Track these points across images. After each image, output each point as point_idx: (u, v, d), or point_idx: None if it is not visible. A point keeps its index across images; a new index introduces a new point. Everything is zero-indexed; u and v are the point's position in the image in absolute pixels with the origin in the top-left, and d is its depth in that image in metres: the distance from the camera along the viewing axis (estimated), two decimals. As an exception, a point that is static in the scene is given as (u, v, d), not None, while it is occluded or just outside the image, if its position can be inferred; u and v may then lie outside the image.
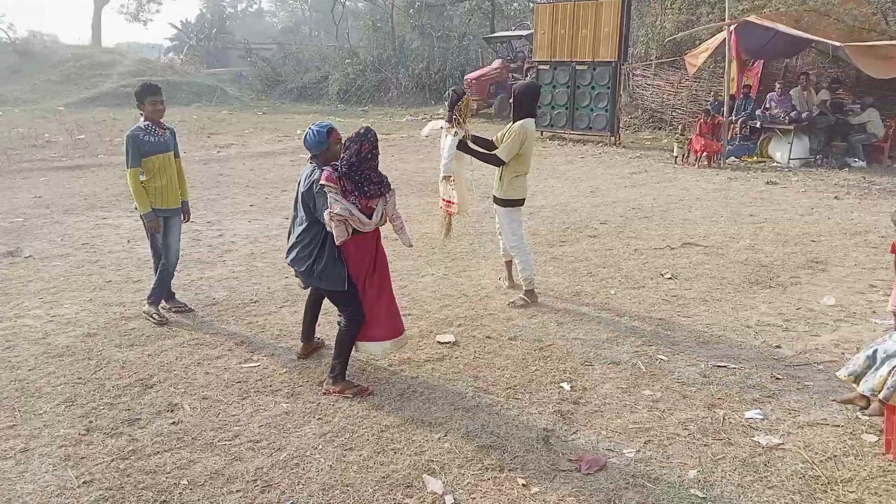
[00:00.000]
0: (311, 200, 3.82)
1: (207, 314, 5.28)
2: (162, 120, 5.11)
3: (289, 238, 4.11)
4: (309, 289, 4.44)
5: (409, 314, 5.21)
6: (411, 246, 4.30)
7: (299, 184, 3.95)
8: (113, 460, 3.31)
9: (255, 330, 4.97)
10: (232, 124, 20.82)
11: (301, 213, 3.93)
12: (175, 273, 5.33)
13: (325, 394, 4.00)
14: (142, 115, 4.99)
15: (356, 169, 3.77)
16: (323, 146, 3.91)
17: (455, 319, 5.17)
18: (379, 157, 3.90)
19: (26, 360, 4.44)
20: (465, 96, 5.11)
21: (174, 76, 31.44)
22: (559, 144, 15.57)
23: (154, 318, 5.06)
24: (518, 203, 5.33)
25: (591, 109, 15.09)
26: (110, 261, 6.72)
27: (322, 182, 3.73)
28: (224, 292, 5.79)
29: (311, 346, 4.53)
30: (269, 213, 8.88)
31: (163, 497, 3.03)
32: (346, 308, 3.97)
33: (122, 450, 3.40)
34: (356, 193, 3.77)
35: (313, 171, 3.88)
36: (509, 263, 5.82)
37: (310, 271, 3.90)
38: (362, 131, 3.84)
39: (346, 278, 3.88)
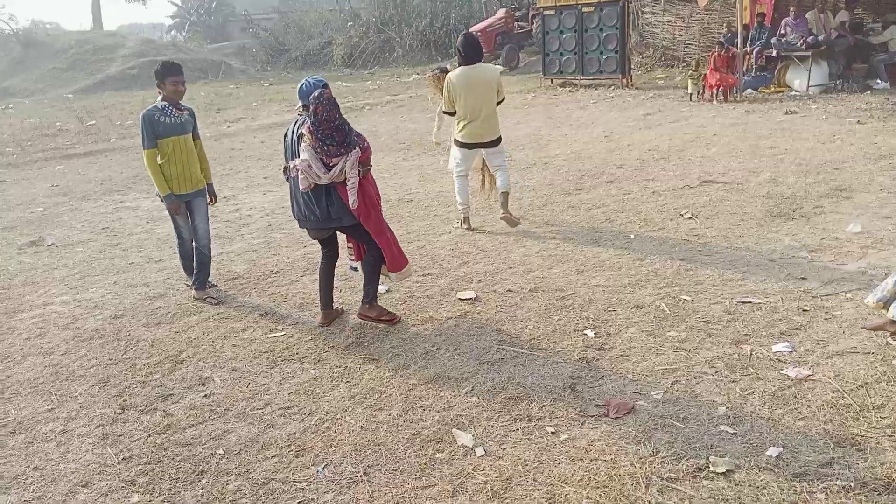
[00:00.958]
0: (295, 148, 4.15)
1: (230, 288, 5.33)
2: (181, 101, 4.88)
3: (293, 197, 4.27)
4: (321, 261, 4.51)
5: (428, 273, 5.22)
6: (355, 206, 4.10)
7: (290, 133, 4.22)
8: (150, 436, 3.39)
9: (278, 300, 5.01)
10: (239, 98, 20.73)
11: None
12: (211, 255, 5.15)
13: (360, 317, 4.39)
14: (160, 94, 4.82)
15: (318, 128, 4.00)
16: None
17: (475, 275, 5.16)
18: (339, 118, 4.03)
19: (58, 346, 4.54)
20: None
21: (178, 54, 31.20)
22: (570, 91, 15.28)
23: (210, 302, 5.01)
24: (460, 144, 6.02)
25: (601, 52, 14.75)
26: (131, 243, 6.80)
27: (302, 131, 4.07)
28: (245, 265, 5.84)
29: (332, 313, 4.56)
30: (283, 184, 8.83)
31: (201, 467, 3.11)
32: (366, 237, 4.26)
33: (158, 425, 3.48)
34: (319, 149, 4.02)
35: (305, 121, 4.10)
36: (505, 195, 6.14)
37: (326, 215, 4.15)
38: (316, 94, 4.00)
39: (352, 214, 4.14)
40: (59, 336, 4.69)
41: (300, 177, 4.01)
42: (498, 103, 5.96)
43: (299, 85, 4.23)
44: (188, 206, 4.99)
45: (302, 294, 5.08)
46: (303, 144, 4.01)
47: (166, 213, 5.10)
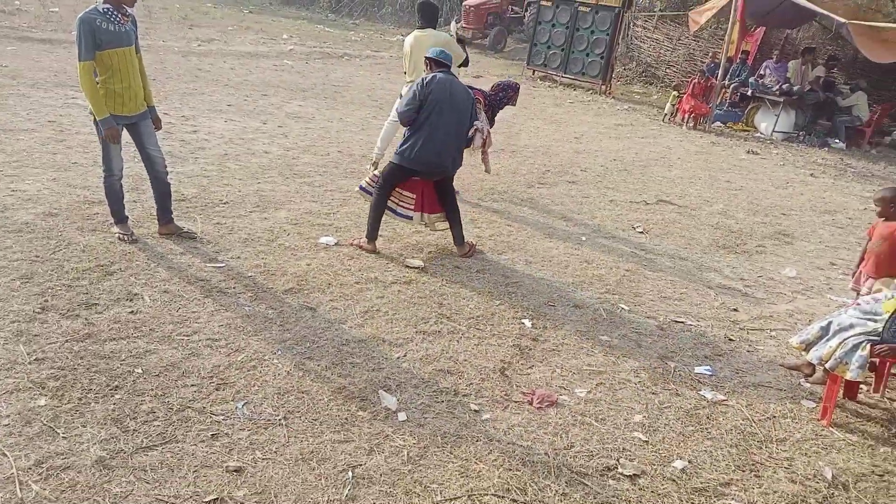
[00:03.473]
0: (472, 109, 4.95)
1: (175, 209, 5.14)
2: (127, 7, 4.12)
3: (429, 144, 4.64)
4: (379, 194, 4.88)
5: (381, 235, 5.18)
6: (488, 168, 5.78)
7: (445, 95, 4.62)
8: (67, 341, 3.28)
9: (223, 231, 4.89)
10: (216, 18, 19.92)
11: (462, 119, 4.80)
12: (168, 182, 4.63)
13: (462, 256, 4.99)
14: None
15: (498, 104, 5.53)
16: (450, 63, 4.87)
17: (426, 246, 5.16)
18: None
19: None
20: None
21: (159, -41, 29.72)
22: (549, 86, 15.33)
23: (186, 235, 4.65)
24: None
25: (587, 54, 14.80)
26: (77, 142, 6.48)
27: (477, 97, 5.21)
28: (194, 189, 5.66)
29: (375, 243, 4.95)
30: (247, 115, 8.62)
31: (115, 383, 3.02)
32: (450, 188, 5.05)
33: (77, 332, 3.36)
34: (488, 119, 5.32)
35: (462, 86, 4.81)
36: None
37: (454, 165, 4.85)
38: (517, 86, 5.63)
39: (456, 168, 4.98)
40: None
41: (478, 136, 5.05)
42: (461, 66, 6.27)
43: (440, 51, 4.84)
44: (132, 130, 4.37)
45: (249, 230, 4.97)
46: (481, 114, 5.23)
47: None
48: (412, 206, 5.05)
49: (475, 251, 5.11)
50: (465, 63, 6.35)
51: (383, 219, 4.95)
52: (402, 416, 3.06)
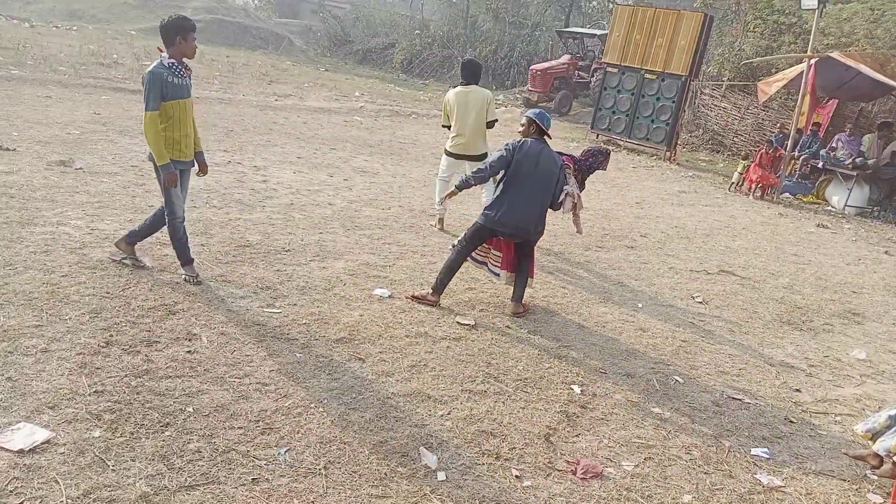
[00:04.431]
0: (561, 176, 5.08)
1: (239, 254, 5.37)
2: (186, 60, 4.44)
3: (515, 206, 4.82)
4: (457, 254, 5.03)
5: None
6: (580, 230, 5.62)
7: (533, 159, 4.83)
8: (126, 376, 3.41)
9: (282, 278, 5.04)
10: (293, 76, 20.99)
11: (547, 187, 4.94)
12: (184, 223, 4.68)
13: (515, 315, 5.00)
14: (160, 50, 4.34)
15: (588, 169, 5.61)
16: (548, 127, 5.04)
17: (478, 303, 5.17)
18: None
19: (60, 267, 4.57)
20: None
21: (245, 19, 31.77)
22: (613, 150, 15.34)
23: (192, 281, 4.67)
24: (448, 154, 6.71)
25: (652, 121, 14.83)
26: (156, 186, 6.83)
27: (567, 163, 5.33)
28: (258, 236, 5.88)
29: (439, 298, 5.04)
30: (314, 167, 8.96)
31: (167, 420, 3.11)
32: (530, 251, 5.13)
33: (137, 368, 3.50)
34: (578, 183, 5.38)
35: (552, 153, 5.01)
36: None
37: (535, 230, 4.95)
38: (608, 151, 5.76)
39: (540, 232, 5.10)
40: (65, 258, 4.73)
41: (568, 200, 5.14)
42: (488, 124, 6.60)
43: (542, 114, 5.06)
44: (181, 175, 4.59)
45: (307, 278, 5.11)
46: (570, 177, 5.29)
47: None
48: (499, 264, 5.28)
49: (527, 312, 5.08)
50: (491, 125, 6.66)
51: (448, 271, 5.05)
52: (441, 475, 3.03)
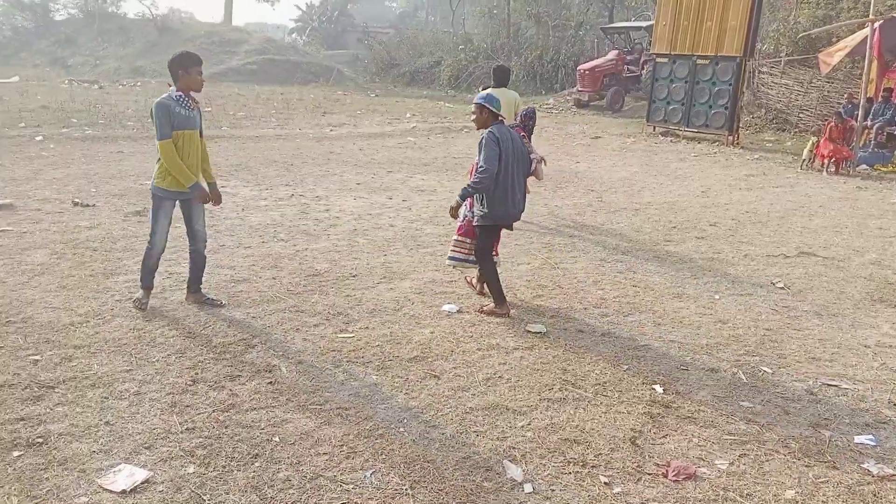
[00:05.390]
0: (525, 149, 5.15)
1: (309, 283, 5.49)
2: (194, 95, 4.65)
3: (508, 196, 4.79)
4: (494, 264, 5.07)
5: (502, 301, 5.21)
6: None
7: (510, 144, 4.76)
8: (214, 411, 3.53)
9: (353, 303, 5.12)
10: (345, 105, 21.49)
11: (525, 166, 5.03)
12: (161, 255, 4.87)
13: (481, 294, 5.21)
14: (170, 86, 4.55)
15: (530, 132, 6.30)
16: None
17: (547, 311, 5.11)
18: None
19: (145, 312, 4.79)
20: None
21: (295, 56, 32.84)
22: (672, 141, 14.98)
23: (213, 304, 4.91)
24: None
25: (710, 106, 14.41)
26: (224, 226, 7.13)
27: (522, 133, 5.81)
28: (326, 264, 6.01)
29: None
30: (374, 191, 9.11)
31: (255, 451, 3.20)
32: None
33: (223, 403, 3.62)
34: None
35: (513, 132, 5.01)
36: None
37: (521, 208, 4.97)
38: (535, 109, 6.64)
39: None
40: (148, 303, 4.95)
41: (541, 166, 5.62)
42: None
43: (489, 96, 5.00)
44: (184, 206, 4.77)
45: (376, 300, 5.17)
46: (530, 145, 5.58)
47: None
48: (465, 252, 5.26)
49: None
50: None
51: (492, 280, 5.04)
52: (528, 487, 2.99)
